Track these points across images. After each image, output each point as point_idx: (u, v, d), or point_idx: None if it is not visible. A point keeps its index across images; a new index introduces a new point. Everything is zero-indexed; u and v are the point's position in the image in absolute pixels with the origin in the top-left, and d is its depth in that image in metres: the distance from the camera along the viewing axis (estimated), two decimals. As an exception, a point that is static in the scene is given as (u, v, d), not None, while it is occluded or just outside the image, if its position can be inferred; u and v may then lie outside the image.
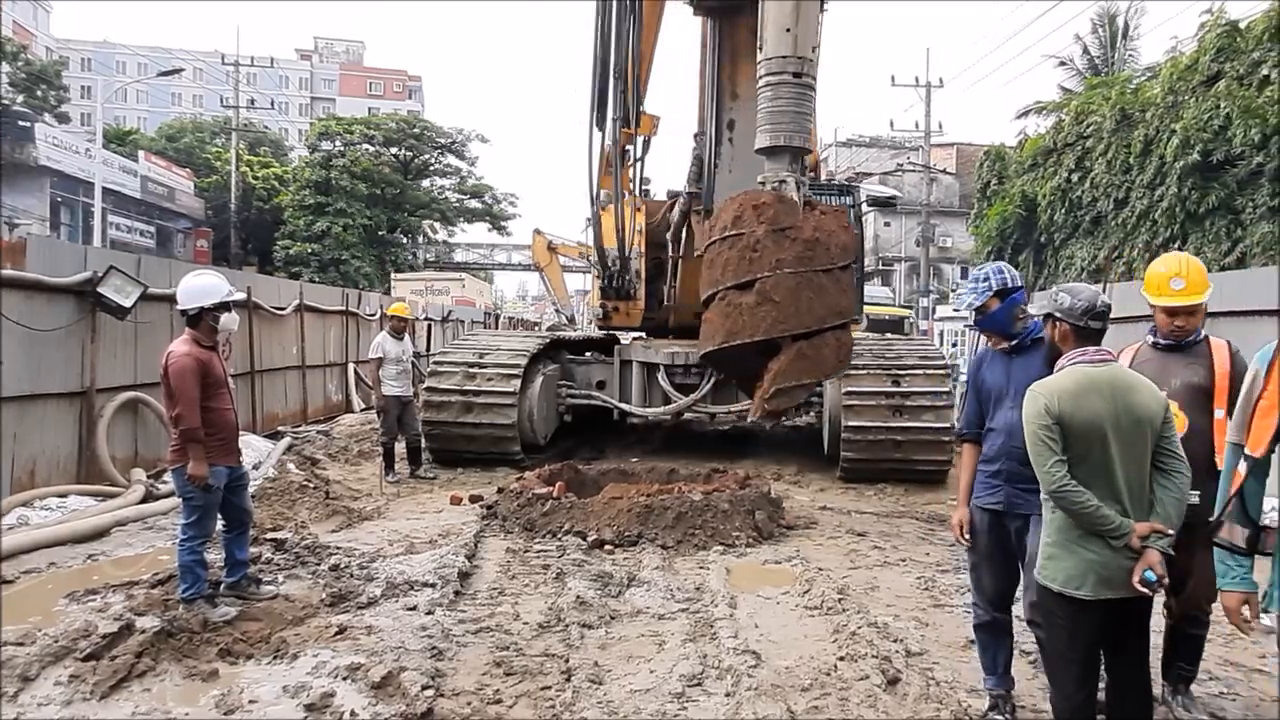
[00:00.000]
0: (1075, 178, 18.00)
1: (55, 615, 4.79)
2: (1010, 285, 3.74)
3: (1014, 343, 3.73)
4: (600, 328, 11.31)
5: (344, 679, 3.96)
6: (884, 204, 13.79)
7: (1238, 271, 11.67)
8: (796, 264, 5.54)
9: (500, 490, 7.94)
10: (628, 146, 12.68)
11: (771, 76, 6.09)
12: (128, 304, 8.10)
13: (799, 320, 5.41)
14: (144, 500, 7.54)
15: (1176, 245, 15.15)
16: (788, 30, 6.01)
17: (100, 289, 7.88)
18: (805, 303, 5.35)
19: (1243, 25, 14.53)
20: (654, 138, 12.66)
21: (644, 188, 12.36)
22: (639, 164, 12.77)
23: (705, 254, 5.96)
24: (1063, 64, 27.31)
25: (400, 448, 9.76)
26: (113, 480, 7.81)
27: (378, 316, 16.87)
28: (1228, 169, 13.99)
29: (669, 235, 9.55)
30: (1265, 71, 13.44)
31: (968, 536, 3.82)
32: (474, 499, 8.16)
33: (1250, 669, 4.39)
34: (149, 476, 8.14)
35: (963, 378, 7.60)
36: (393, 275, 37.54)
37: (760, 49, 6.13)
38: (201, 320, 4.98)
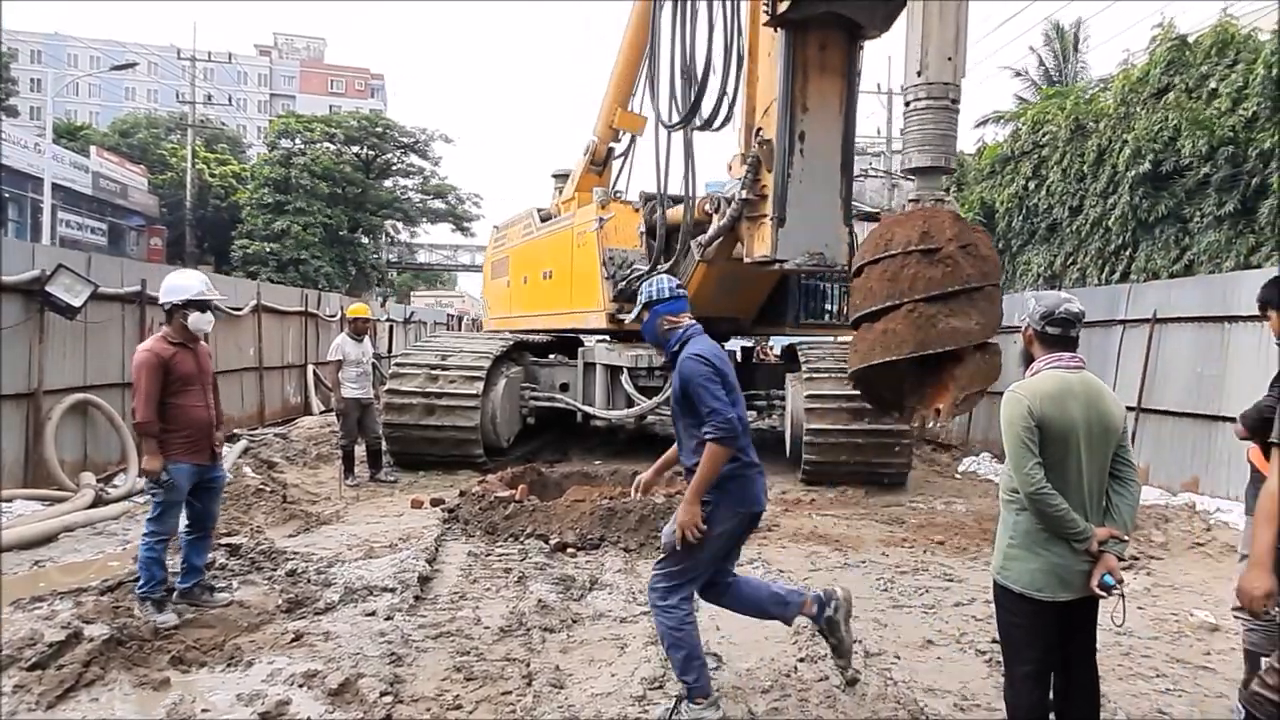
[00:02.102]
0: (1032, 185, 18.33)
1: (-1, 624, 4.66)
2: (656, 298, 3.82)
3: (668, 353, 3.81)
4: (615, 334, 11.17)
5: (300, 686, 3.90)
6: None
7: (1188, 278, 12.02)
8: (983, 278, 5.89)
9: (462, 493, 7.88)
10: (613, 144, 12.66)
11: (933, 100, 6.43)
12: (77, 303, 7.90)
13: (983, 331, 5.70)
14: (93, 505, 7.36)
15: (1128, 253, 15.52)
16: (949, 59, 6.40)
17: (49, 288, 7.67)
18: (989, 314, 5.64)
19: (1191, 39, 14.95)
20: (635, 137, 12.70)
21: (616, 189, 12.33)
22: (623, 161, 12.77)
23: (879, 266, 6.20)
24: (1018, 75, 27.92)
25: (360, 450, 9.64)
26: (60, 484, 7.60)
27: (338, 318, 16.64)
28: (1177, 179, 14.35)
29: (699, 239, 9.47)
30: (1213, 85, 13.83)
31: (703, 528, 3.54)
32: (435, 502, 8.08)
33: (1196, 666, 4.51)
34: (99, 480, 7.94)
35: None
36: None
37: (920, 73, 6.46)
38: (173, 317, 4.99)
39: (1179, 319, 9.12)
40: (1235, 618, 3.86)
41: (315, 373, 15.50)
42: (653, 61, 9.38)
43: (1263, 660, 3.58)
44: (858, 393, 8.76)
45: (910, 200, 6.89)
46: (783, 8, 7.82)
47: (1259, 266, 11.85)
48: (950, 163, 6.77)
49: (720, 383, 3.59)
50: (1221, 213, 13.37)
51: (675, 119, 9.11)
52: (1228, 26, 14.29)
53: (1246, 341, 8.01)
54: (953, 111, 6.58)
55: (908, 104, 6.80)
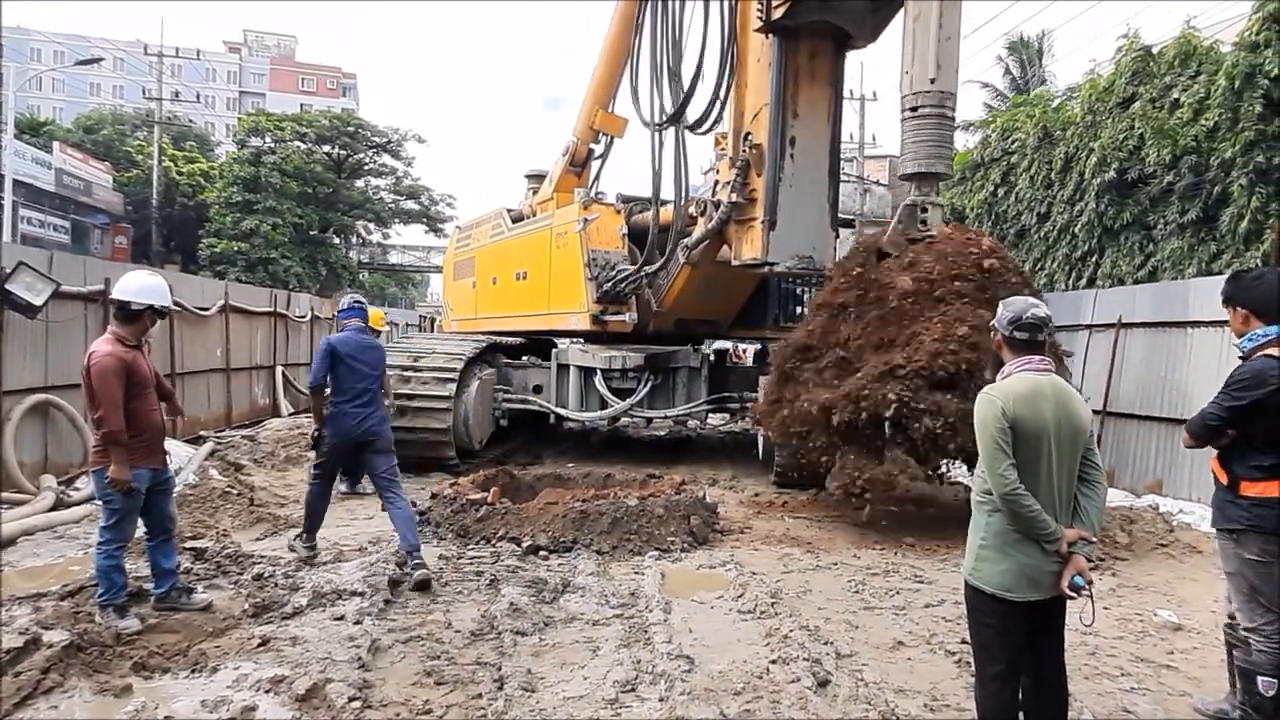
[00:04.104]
0: (1001, 192, 18.59)
1: (-47, 630, 4.53)
2: (342, 309, 6.47)
3: None
4: (589, 335, 11.13)
5: (266, 692, 3.84)
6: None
7: (1150, 285, 12.24)
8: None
9: (434, 496, 7.81)
10: (592, 145, 12.63)
11: (930, 109, 6.89)
12: (38, 302, 7.73)
13: None
14: (54, 508, 7.20)
15: (1094, 259, 15.79)
16: (948, 70, 6.83)
17: (9, 286, 7.51)
18: None
19: (1155, 50, 15.25)
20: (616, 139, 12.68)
21: (598, 191, 12.31)
22: (601, 163, 12.75)
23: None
24: (986, 85, 28.43)
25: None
26: (20, 487, 7.42)
27: (308, 319, 16.45)
28: (1141, 187, 14.63)
29: (686, 242, 9.45)
30: (1176, 95, 14.13)
31: None
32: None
33: (1160, 665, 4.59)
34: (60, 483, 7.77)
35: None
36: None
37: (913, 83, 6.87)
38: (139, 319, 4.83)
39: (1143, 324, 9.29)
40: (1245, 638, 3.65)
41: (284, 374, 15.30)
42: (634, 61, 9.35)
43: (1259, 679, 3.54)
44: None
45: (906, 205, 7.09)
46: (777, 14, 7.88)
47: (1220, 273, 12.09)
48: (947, 169, 7.13)
49: (325, 358, 5.95)
50: (1184, 220, 13.65)
51: (660, 119, 9.11)
52: (1190, 38, 14.60)
53: (1208, 345, 8.18)
54: (948, 120, 6.94)
55: (908, 111, 6.98)
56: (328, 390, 6.00)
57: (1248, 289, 3.79)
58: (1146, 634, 5.07)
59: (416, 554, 5.67)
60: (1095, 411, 9.56)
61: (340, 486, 9.10)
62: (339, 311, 6.32)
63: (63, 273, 8.33)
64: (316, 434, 6.07)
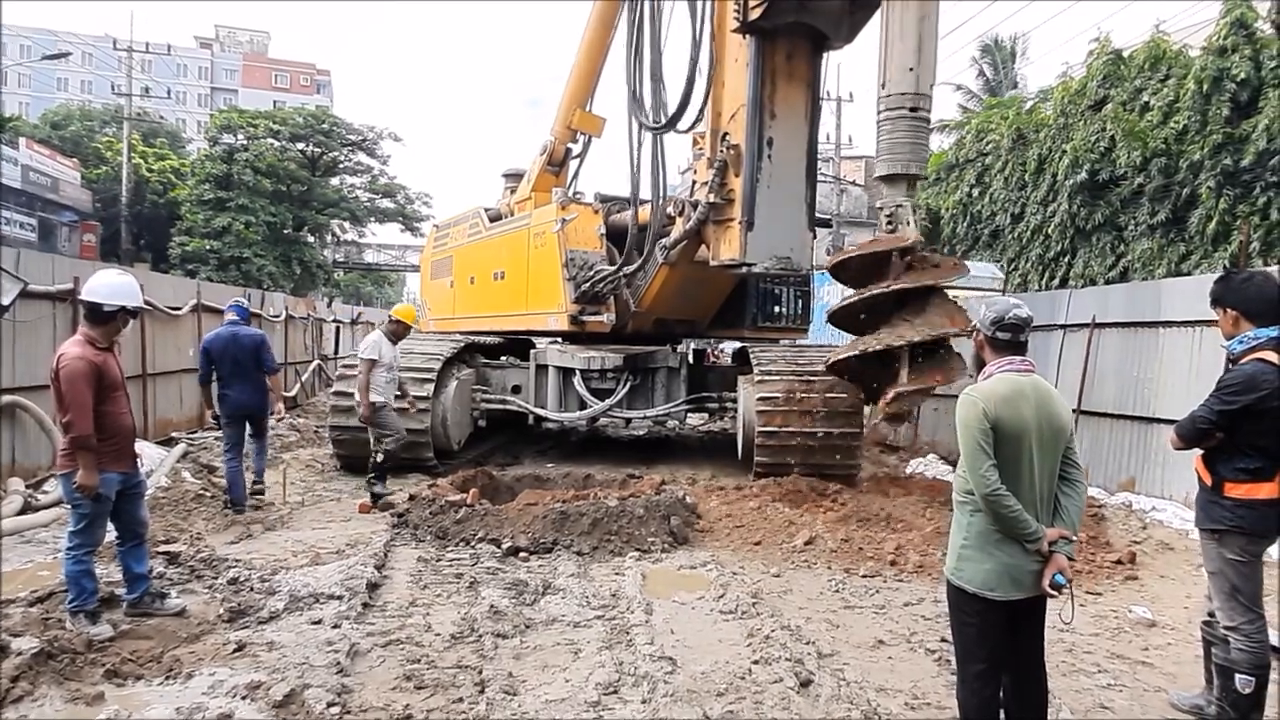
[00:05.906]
0: (975, 193, 18.81)
1: (-83, 638, 4.41)
2: (236, 307, 8.01)
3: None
4: (567, 336, 11.07)
5: (243, 698, 3.78)
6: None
7: (1123, 285, 12.43)
8: None
9: (412, 497, 7.74)
10: (570, 145, 12.59)
11: (890, 111, 6.97)
12: (6, 301, 7.57)
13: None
14: (21, 512, 7.05)
15: (1067, 259, 16.01)
16: (910, 69, 6.91)
17: (-26, 285, 7.34)
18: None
19: (1126, 54, 15.50)
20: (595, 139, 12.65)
21: (576, 190, 12.28)
22: (579, 162, 12.72)
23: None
24: (960, 88, 28.72)
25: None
26: (-14, 490, 7.26)
27: (283, 318, 16.25)
28: (1112, 188, 14.86)
29: (665, 242, 9.41)
30: (1146, 98, 14.36)
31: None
32: (384, 507, 7.93)
33: (1135, 661, 4.65)
34: (28, 486, 7.61)
35: None
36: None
37: (883, 85, 6.98)
38: (112, 321, 4.75)
39: (1116, 324, 9.41)
40: (1224, 636, 3.66)
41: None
42: (635, 63, 9.29)
43: (1237, 676, 3.57)
44: (811, 394, 8.97)
45: (875, 206, 7.17)
46: (754, 15, 7.89)
47: (1189, 273, 12.30)
48: (914, 168, 7.18)
49: (202, 356, 7.79)
50: (1154, 221, 13.88)
51: (652, 121, 9.09)
52: (1160, 42, 14.84)
53: (1179, 345, 8.30)
54: (915, 120, 7.10)
55: (883, 112, 7.03)
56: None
57: (1238, 290, 3.73)
58: (1122, 631, 5.14)
59: (259, 480, 7.97)
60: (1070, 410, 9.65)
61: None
62: (226, 308, 8.19)
63: (30, 271, 8.16)
64: (214, 416, 7.85)
